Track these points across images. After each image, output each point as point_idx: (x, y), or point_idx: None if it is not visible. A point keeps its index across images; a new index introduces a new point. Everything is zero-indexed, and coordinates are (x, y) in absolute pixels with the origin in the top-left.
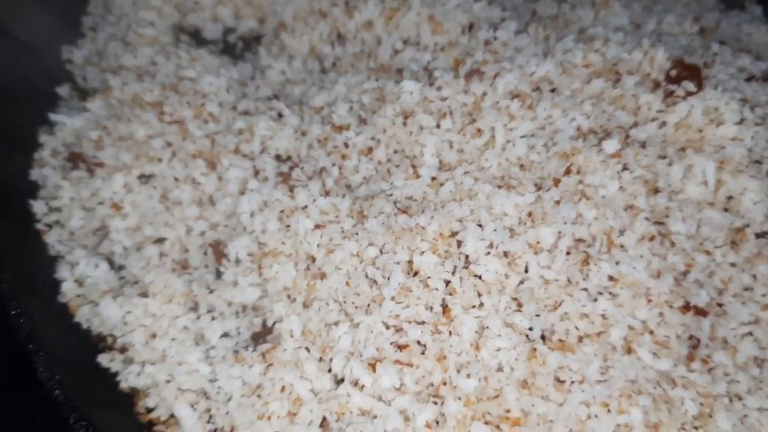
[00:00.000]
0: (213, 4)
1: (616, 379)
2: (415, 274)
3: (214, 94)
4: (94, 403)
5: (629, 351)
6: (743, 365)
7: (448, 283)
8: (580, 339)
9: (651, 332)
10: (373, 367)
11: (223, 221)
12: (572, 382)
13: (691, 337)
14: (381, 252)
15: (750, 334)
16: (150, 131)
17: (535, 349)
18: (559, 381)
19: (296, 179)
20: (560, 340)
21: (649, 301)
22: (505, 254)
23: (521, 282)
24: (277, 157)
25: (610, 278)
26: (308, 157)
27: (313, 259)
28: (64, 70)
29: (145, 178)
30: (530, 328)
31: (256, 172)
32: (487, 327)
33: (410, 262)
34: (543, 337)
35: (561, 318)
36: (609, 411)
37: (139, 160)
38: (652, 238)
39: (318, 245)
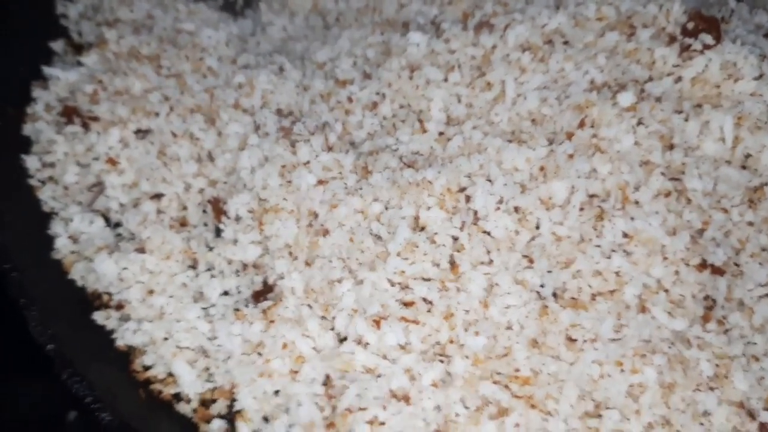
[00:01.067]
0: None
1: (630, 338)
2: (422, 229)
3: (213, 48)
4: (89, 361)
5: (643, 309)
6: (760, 327)
7: (456, 239)
8: (593, 297)
9: (666, 291)
10: (377, 324)
11: (222, 178)
12: (584, 341)
13: (706, 298)
14: (386, 207)
15: (767, 296)
16: (147, 85)
17: (546, 307)
18: (571, 339)
19: (298, 134)
20: (572, 298)
21: (665, 258)
22: (516, 210)
23: (532, 238)
24: (278, 112)
25: (625, 235)
26: (310, 112)
27: (316, 216)
28: (58, 24)
29: (141, 133)
30: (542, 285)
31: (257, 127)
32: (497, 284)
33: (416, 218)
34: (555, 295)
35: (573, 275)
36: (622, 370)
37: (136, 115)
38: (668, 195)
39: (320, 201)
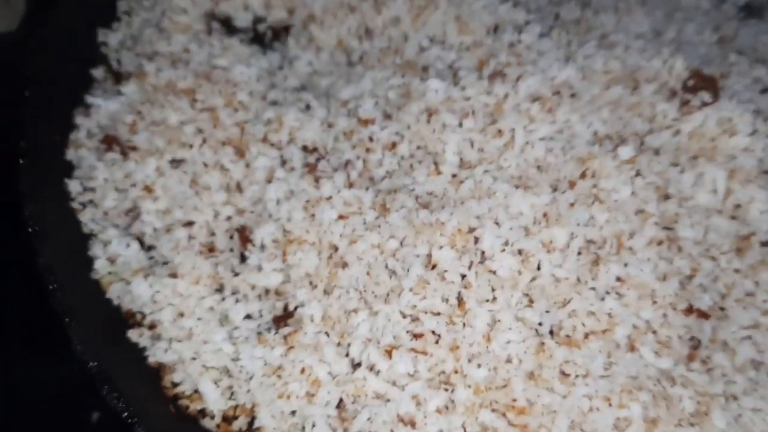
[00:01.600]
0: None
1: (619, 375)
2: (433, 267)
3: (245, 83)
4: (123, 376)
5: (632, 349)
6: (741, 367)
7: (464, 277)
8: (586, 335)
9: (654, 332)
10: (389, 353)
11: (249, 207)
12: (577, 376)
13: (692, 339)
14: (401, 245)
15: (749, 337)
16: (182, 117)
17: (543, 343)
18: (564, 374)
19: (322, 170)
20: (567, 336)
21: (654, 302)
22: (520, 252)
23: (533, 279)
24: (304, 148)
25: (618, 279)
26: (334, 149)
27: (336, 249)
28: (99, 52)
29: (176, 163)
30: (540, 323)
31: (283, 162)
32: (499, 320)
33: (429, 256)
34: (551, 332)
35: (569, 315)
36: (610, 405)
37: (171, 145)
38: (660, 243)
39: (341, 235)
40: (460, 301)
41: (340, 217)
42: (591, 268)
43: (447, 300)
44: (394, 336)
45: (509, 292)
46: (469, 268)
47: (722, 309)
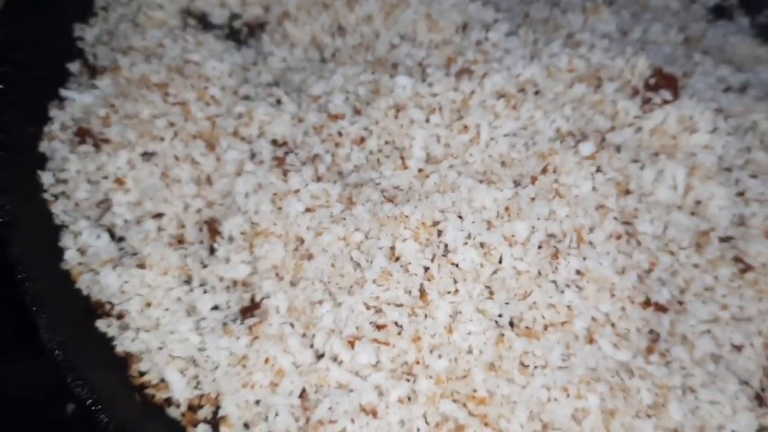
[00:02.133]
0: None
1: (577, 366)
2: (397, 259)
3: (217, 78)
4: (91, 365)
5: (591, 341)
6: (699, 360)
7: (427, 269)
8: (546, 327)
9: (613, 324)
10: (352, 344)
11: (218, 200)
12: (535, 367)
13: (651, 332)
14: (366, 237)
15: (708, 331)
16: (154, 111)
17: (503, 335)
18: (524, 365)
19: (290, 164)
20: (527, 328)
21: (613, 295)
22: (482, 245)
23: (495, 272)
24: (274, 142)
25: (578, 272)
26: (303, 143)
27: (302, 241)
28: (76, 47)
29: (147, 156)
30: (500, 315)
31: (253, 155)
32: (460, 312)
33: (393, 248)
34: (511, 324)
35: (529, 307)
36: (568, 395)
37: (143, 138)
38: (619, 237)
39: (307, 228)
40: (423, 292)
41: (307, 209)
42: (551, 262)
43: (410, 292)
44: (357, 327)
45: (471, 285)
46: (432, 260)
47: (681, 303)
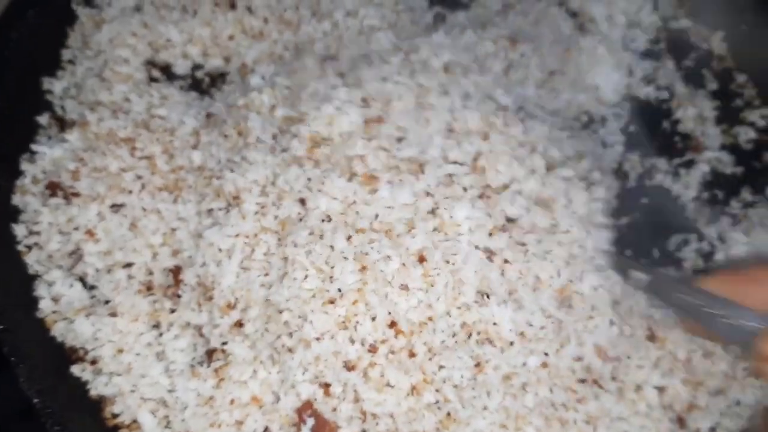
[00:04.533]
0: (183, 42)
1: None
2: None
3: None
4: (67, 408)
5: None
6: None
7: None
8: None
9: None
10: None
11: (182, 249)
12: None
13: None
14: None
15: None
16: (122, 165)
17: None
18: None
19: None
20: None
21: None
22: None
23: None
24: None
25: None
26: None
27: None
28: (44, 100)
29: (116, 208)
30: None
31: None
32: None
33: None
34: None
35: None
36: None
37: (112, 191)
38: None
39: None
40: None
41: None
42: None
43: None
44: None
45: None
46: None
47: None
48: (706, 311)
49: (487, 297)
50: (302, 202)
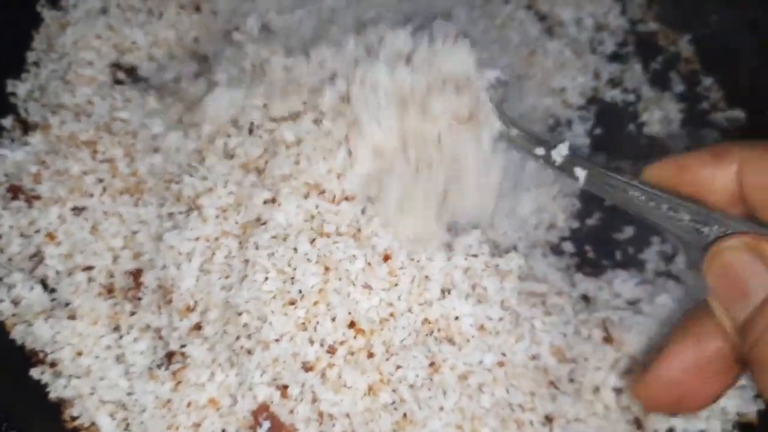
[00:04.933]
0: (149, 44)
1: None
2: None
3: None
4: (26, 411)
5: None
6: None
7: None
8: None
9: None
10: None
11: (143, 252)
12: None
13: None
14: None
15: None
16: (84, 168)
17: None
18: None
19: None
20: None
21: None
22: None
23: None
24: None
25: None
26: None
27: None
28: (8, 102)
29: (77, 210)
30: None
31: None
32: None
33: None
34: None
35: None
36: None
37: (73, 194)
38: None
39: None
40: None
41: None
42: None
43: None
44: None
45: None
46: None
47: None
48: (651, 205)
49: (449, 293)
50: (266, 202)
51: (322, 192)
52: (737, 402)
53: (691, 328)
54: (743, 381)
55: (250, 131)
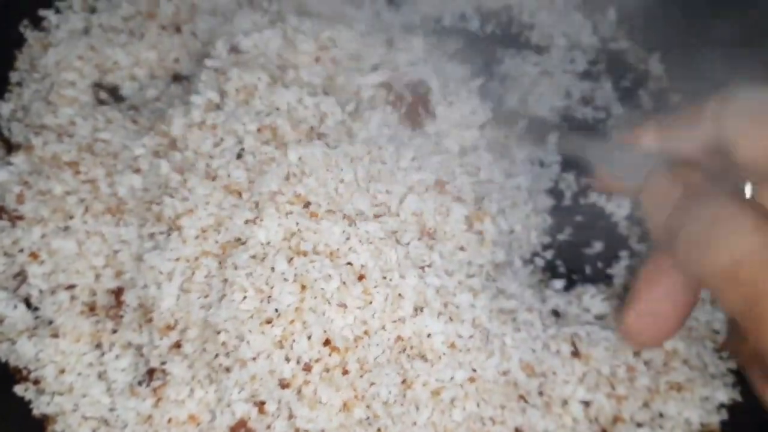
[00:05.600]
0: (130, 64)
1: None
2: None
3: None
4: (10, 427)
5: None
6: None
7: None
8: None
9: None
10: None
11: (124, 270)
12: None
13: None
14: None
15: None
16: (66, 188)
17: None
18: None
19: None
20: None
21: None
22: None
23: None
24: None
25: None
26: None
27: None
28: None
29: (60, 230)
30: None
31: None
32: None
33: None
34: None
35: None
36: None
37: (56, 214)
38: None
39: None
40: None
41: None
42: None
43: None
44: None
45: None
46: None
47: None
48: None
49: (421, 311)
50: (247, 222)
51: (308, 204)
52: (700, 412)
53: (659, 266)
54: (706, 393)
55: (239, 156)
